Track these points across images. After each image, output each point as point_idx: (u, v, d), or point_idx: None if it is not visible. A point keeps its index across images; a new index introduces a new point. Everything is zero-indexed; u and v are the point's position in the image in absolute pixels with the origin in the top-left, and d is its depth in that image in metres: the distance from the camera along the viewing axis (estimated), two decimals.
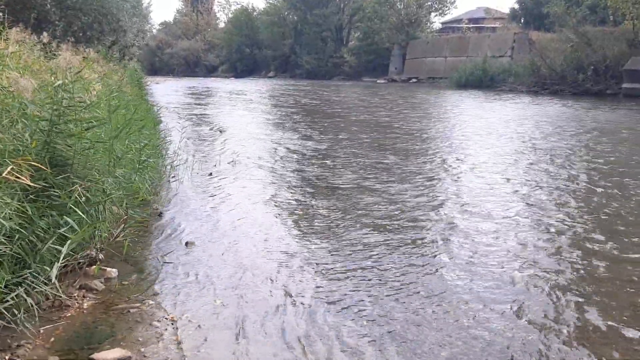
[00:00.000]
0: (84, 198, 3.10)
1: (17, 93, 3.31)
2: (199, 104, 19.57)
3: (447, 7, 47.85)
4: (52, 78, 4.05)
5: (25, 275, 2.82)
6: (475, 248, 4.17)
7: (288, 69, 57.41)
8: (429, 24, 48.88)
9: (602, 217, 5.08)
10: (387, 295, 3.33)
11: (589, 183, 6.50)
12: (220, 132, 11.44)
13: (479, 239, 4.38)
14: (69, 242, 2.89)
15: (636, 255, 4.03)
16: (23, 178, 2.60)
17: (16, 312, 2.70)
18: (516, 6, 42.19)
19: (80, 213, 2.99)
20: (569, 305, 3.21)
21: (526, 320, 3.02)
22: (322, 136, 10.76)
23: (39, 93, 3.53)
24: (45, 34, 7.76)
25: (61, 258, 2.84)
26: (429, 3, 46.91)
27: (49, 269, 2.92)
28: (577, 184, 6.52)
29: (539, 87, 25.58)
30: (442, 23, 53.12)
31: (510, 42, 32.56)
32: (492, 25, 43.99)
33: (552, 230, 4.65)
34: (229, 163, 7.79)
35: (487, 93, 25.69)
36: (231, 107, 18.54)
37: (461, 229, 4.67)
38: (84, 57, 9.07)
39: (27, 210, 2.75)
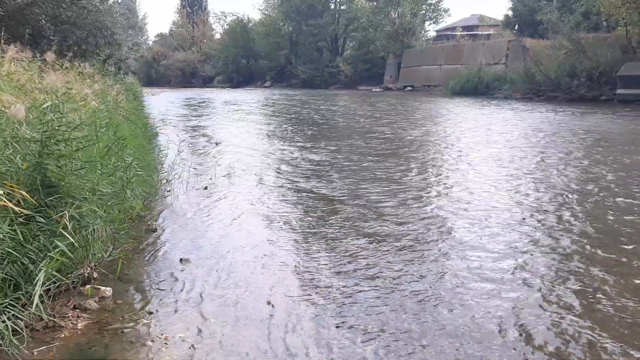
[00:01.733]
0: (72, 221, 3.10)
1: (9, 116, 3.31)
2: (195, 116, 19.58)
3: (441, 15, 48.09)
4: (43, 98, 4.06)
5: (18, 297, 2.82)
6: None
7: (284, 79, 57.58)
8: (423, 32, 49.14)
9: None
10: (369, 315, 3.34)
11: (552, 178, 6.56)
12: (217, 144, 11.45)
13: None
14: (42, 271, 2.86)
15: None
16: (11, 204, 2.60)
17: (7, 334, 2.69)
18: (510, 13, 42.44)
19: (69, 237, 2.98)
20: None
21: None
22: (317, 146, 10.78)
23: (31, 114, 3.54)
24: (50, 53, 7.77)
25: (39, 286, 2.82)
26: (423, 12, 47.15)
27: (40, 291, 2.92)
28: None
29: (533, 94, 25.68)
30: (437, 31, 53.35)
31: (505, 49, 32.74)
32: (487, 33, 44.19)
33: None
34: (225, 176, 7.78)
35: (482, 100, 25.78)
36: (227, 118, 18.56)
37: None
38: (79, 73, 9.11)
39: (17, 233, 2.75)
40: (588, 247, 4.48)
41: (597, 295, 3.53)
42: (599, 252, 4.35)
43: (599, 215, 5.45)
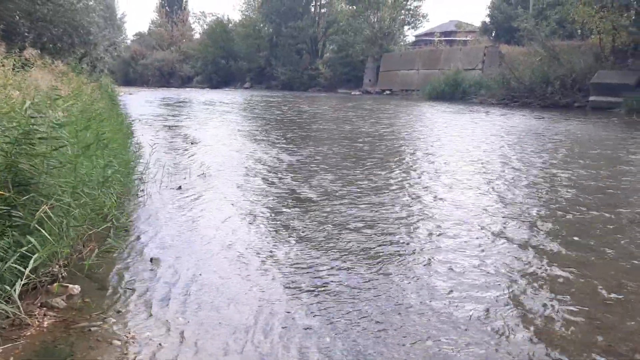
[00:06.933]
0: (47, 217, 3.11)
1: None
2: (172, 116, 19.46)
3: (419, 20, 48.61)
4: (17, 95, 4.04)
5: None
6: None
7: (264, 80, 57.57)
8: (402, 37, 49.65)
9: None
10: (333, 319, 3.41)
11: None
12: (192, 143, 11.43)
13: None
14: (32, 261, 2.89)
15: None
16: None
17: None
18: (487, 20, 43.03)
19: (44, 232, 2.99)
20: None
21: None
22: (293, 147, 10.84)
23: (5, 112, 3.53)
24: (30, 49, 7.69)
25: (24, 276, 2.84)
26: (402, 17, 47.58)
27: (8, 287, 2.93)
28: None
29: (508, 100, 26.08)
30: (415, 36, 53.96)
31: (481, 55, 33.16)
32: (464, 39, 44.73)
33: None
34: (199, 176, 7.79)
35: (458, 105, 26.09)
36: (205, 119, 18.50)
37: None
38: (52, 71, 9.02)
39: None
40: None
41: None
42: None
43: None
